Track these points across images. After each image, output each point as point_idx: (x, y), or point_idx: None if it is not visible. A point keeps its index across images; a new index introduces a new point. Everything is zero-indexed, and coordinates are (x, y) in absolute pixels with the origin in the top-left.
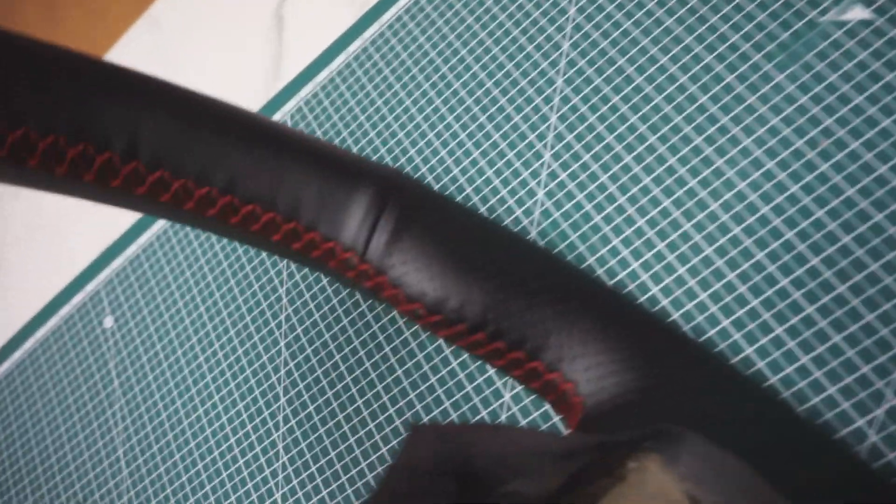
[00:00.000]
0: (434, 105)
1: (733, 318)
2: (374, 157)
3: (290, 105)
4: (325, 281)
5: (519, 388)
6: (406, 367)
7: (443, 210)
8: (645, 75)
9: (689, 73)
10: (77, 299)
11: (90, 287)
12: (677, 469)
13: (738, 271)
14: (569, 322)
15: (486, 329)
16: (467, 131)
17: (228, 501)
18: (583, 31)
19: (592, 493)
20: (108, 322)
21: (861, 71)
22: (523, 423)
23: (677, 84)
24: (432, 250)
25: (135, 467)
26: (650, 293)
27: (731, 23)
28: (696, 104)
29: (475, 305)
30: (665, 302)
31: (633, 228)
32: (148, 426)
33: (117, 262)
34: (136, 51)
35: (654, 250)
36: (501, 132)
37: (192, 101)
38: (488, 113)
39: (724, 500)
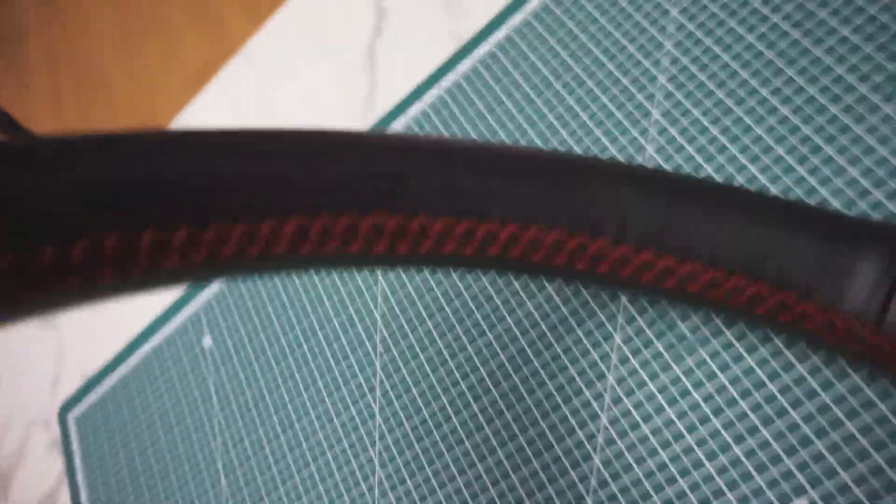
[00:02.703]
0: (527, 137)
1: None
2: None
3: None
4: (419, 303)
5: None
6: (500, 386)
7: None
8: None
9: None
10: (177, 320)
11: (189, 309)
12: None
13: None
14: None
15: None
16: None
17: (332, 485)
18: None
19: None
20: (207, 342)
21: None
22: (629, 403)
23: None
24: None
25: (233, 478)
26: None
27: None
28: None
29: None
30: None
31: None
32: (245, 440)
33: (215, 286)
34: (232, 85)
35: None
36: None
37: (666, 179)
38: (582, 145)
39: None
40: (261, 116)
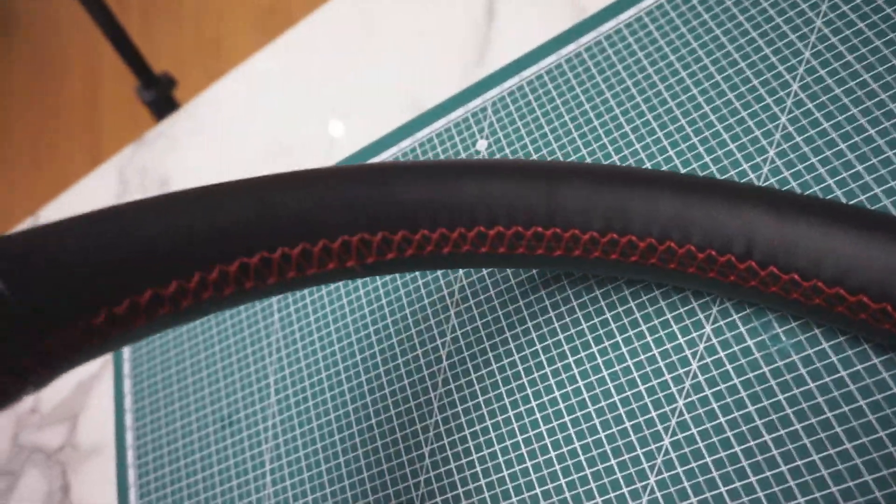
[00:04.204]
0: (645, 119)
1: None
2: (574, 158)
3: (493, 93)
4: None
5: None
6: (559, 379)
7: None
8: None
9: None
10: None
11: None
12: None
13: None
14: None
15: None
16: (676, 149)
17: (374, 446)
18: (828, 43)
19: None
20: None
21: None
22: (708, 390)
23: None
24: None
25: (283, 395)
26: None
27: None
28: None
29: None
30: None
31: None
32: (302, 362)
33: None
34: (338, 17)
35: None
36: (714, 158)
37: (791, 201)
38: (702, 136)
39: None
40: (354, 59)
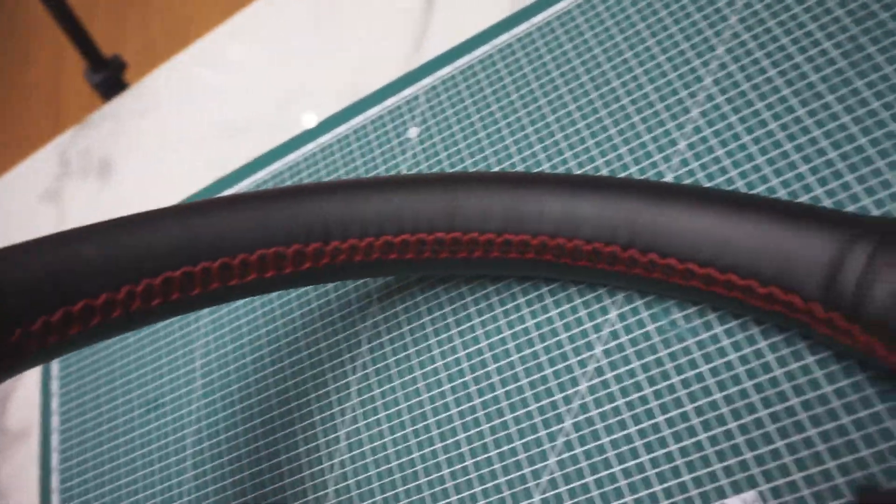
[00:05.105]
0: (568, 110)
1: None
2: (498, 149)
3: (427, 81)
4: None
5: None
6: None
7: None
8: (793, 88)
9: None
10: None
11: None
12: None
13: None
14: None
15: None
16: (595, 139)
17: (292, 429)
18: (729, 68)
19: None
20: None
21: None
22: (610, 374)
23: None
24: None
25: (208, 380)
26: None
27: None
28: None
29: None
30: None
31: None
32: (229, 345)
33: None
34: (286, 3)
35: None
36: (631, 149)
37: (670, 191)
38: (619, 127)
39: None
40: (301, 44)
